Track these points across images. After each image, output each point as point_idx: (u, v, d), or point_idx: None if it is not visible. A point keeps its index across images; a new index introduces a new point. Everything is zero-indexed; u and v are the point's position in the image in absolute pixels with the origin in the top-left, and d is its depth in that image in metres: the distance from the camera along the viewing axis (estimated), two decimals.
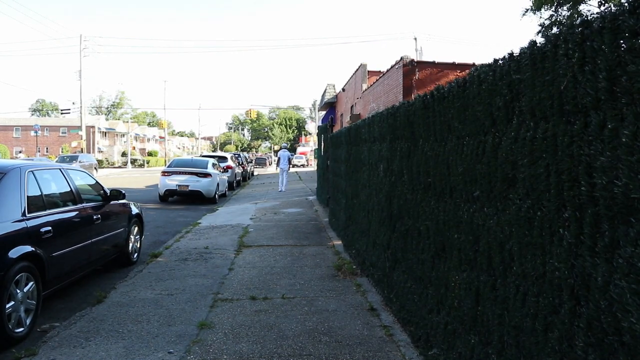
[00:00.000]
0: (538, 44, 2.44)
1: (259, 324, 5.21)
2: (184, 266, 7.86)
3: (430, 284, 4.24)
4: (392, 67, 16.38)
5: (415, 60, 15.89)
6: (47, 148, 74.43)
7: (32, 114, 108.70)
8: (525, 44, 2.57)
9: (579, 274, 2.12)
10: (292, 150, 65.77)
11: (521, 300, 2.62)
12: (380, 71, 20.46)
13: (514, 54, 2.72)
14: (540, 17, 13.17)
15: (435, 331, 4.06)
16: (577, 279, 2.13)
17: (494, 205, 2.96)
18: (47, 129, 78.14)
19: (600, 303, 1.97)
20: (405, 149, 4.89)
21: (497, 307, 2.93)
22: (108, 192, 7.53)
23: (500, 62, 2.87)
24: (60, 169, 6.62)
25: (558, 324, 2.27)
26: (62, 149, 66.92)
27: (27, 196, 5.42)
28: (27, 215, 5.28)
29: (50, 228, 5.55)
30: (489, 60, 3.03)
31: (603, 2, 11.70)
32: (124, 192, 7.88)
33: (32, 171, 5.75)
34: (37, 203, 5.58)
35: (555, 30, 12.64)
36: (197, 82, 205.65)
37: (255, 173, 42.99)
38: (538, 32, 13.62)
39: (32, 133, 56.19)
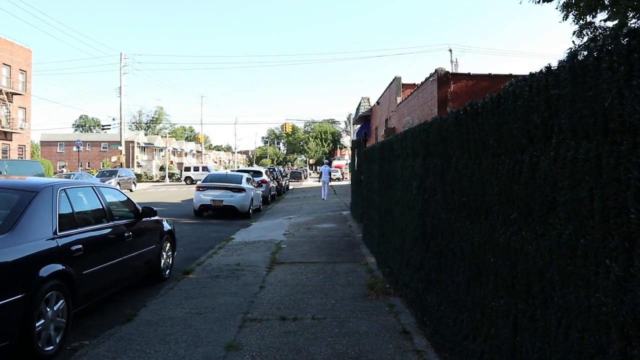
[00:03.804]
0: (578, 57, 2.25)
1: (288, 347, 5.06)
2: (215, 283, 7.80)
3: (465, 309, 4.02)
4: (426, 79, 16.14)
5: (450, 72, 15.61)
6: (89, 163, 76.56)
7: (76, 130, 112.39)
8: (562, 54, 2.38)
9: (629, 311, 1.90)
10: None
11: (563, 334, 2.40)
12: (414, 84, 20.18)
13: (552, 68, 2.53)
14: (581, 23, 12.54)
15: (470, 359, 3.84)
16: (628, 316, 1.91)
17: (532, 229, 2.75)
18: (89, 144, 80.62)
19: None
20: (438, 166, 4.70)
21: (536, 339, 2.71)
22: (139, 209, 7.55)
23: (536, 76, 2.68)
24: (92, 187, 6.66)
25: None
26: (103, 163, 68.65)
27: (59, 214, 5.45)
28: (59, 233, 5.30)
29: (81, 246, 5.56)
30: (526, 70, 2.84)
31: None
32: (155, 209, 7.88)
33: (64, 189, 5.79)
34: (68, 221, 5.61)
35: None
36: (234, 97, 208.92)
37: (290, 187, 43.08)
38: (574, 33, 12.97)
39: (75, 148, 57.82)
